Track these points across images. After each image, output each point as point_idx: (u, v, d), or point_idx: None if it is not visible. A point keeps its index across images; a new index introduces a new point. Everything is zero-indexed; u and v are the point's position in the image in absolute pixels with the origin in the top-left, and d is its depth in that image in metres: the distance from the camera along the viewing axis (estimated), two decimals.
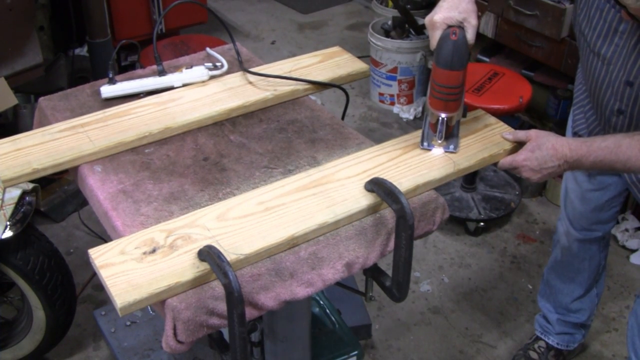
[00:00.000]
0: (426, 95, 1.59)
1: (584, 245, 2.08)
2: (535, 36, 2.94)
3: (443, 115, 1.41)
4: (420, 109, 3.73)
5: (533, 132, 1.48)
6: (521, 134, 1.50)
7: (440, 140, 1.45)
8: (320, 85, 1.70)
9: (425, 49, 3.60)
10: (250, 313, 1.18)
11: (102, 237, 2.79)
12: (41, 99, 1.68)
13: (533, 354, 2.33)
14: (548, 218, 3.02)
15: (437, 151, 1.46)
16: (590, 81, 1.67)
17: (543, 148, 1.44)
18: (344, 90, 1.72)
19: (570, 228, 2.07)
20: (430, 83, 1.42)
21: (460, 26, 1.35)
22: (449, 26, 1.34)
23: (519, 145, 1.49)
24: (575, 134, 1.88)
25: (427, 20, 1.38)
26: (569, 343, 2.31)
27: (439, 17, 1.35)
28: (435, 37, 1.36)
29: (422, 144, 1.47)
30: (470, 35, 1.35)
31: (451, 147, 1.46)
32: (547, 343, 2.33)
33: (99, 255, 1.19)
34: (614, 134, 1.44)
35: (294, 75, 1.71)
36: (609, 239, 2.14)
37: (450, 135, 1.47)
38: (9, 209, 1.99)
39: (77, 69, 3.25)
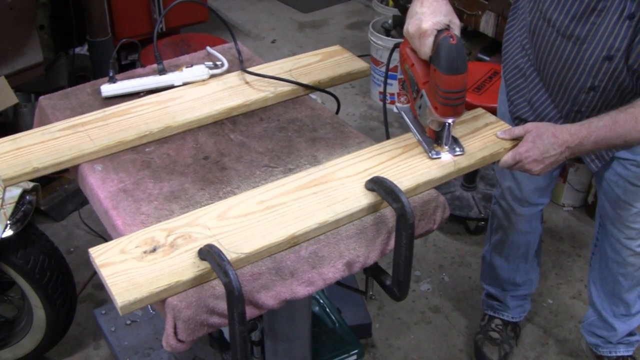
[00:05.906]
0: (412, 104, 1.53)
1: (529, 221, 2.12)
2: None
3: (451, 120, 1.40)
4: None
5: (530, 125, 1.49)
6: (518, 130, 1.49)
7: (447, 145, 1.44)
8: (310, 89, 1.69)
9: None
10: (250, 312, 1.18)
11: (103, 236, 2.79)
12: (41, 98, 1.68)
13: (494, 334, 2.36)
14: (548, 216, 3.02)
15: (447, 156, 1.44)
16: (553, 65, 1.69)
17: (544, 137, 1.45)
18: (334, 96, 1.71)
19: (518, 207, 2.08)
20: (429, 91, 1.38)
21: (448, 29, 1.34)
22: (438, 31, 1.33)
23: (518, 143, 1.49)
24: (518, 119, 1.88)
25: (413, 29, 1.34)
26: (521, 313, 2.38)
27: (428, 25, 1.32)
28: (428, 44, 1.33)
29: (431, 154, 1.44)
30: (459, 35, 1.35)
31: (457, 149, 1.45)
32: (502, 320, 2.37)
33: (99, 254, 1.19)
34: (607, 112, 1.47)
35: (294, 73, 1.71)
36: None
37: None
38: (9, 208, 1.99)
39: (77, 68, 3.25)
